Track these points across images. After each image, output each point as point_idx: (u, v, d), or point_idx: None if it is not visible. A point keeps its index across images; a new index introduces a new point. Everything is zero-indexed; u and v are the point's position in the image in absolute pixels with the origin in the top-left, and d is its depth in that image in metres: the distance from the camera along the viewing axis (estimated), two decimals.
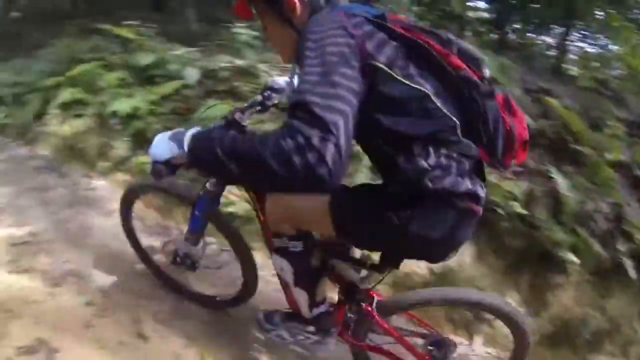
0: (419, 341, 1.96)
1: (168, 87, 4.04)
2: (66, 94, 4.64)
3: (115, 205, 2.53)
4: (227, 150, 1.09)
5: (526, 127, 1.40)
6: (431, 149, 1.27)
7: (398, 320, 2.14)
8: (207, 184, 1.93)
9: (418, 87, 1.23)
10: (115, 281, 2.71)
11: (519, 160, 1.44)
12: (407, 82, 1.22)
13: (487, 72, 1.35)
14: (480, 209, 1.38)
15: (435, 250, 1.46)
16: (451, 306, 2.53)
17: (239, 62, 4.14)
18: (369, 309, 1.85)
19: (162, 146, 1.32)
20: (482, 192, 1.38)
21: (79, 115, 4.53)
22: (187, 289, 2.60)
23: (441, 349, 1.90)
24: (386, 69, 1.20)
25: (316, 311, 1.87)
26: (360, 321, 1.92)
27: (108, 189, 3.77)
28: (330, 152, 0.99)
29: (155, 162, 1.33)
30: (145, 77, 4.37)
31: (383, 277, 1.76)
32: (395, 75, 1.21)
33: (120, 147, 4.04)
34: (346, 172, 1.27)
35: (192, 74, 3.92)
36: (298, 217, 1.63)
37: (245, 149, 1.06)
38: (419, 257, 1.56)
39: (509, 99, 1.39)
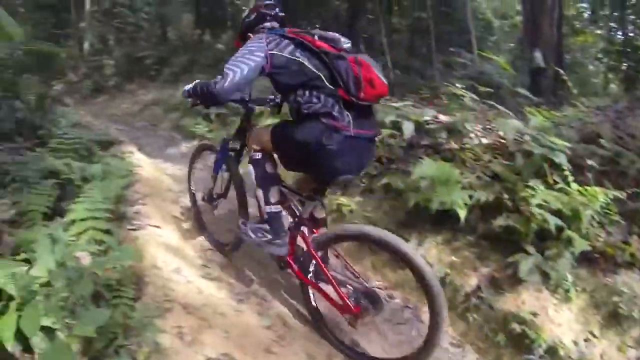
0: (349, 288, 2.39)
1: None
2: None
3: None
4: (199, 87, 2.44)
5: (371, 72, 2.19)
6: (306, 92, 2.22)
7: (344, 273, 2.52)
8: (225, 138, 3.11)
9: (294, 57, 2.26)
10: (295, 310, 2.71)
11: (370, 93, 2.18)
12: (289, 56, 2.27)
13: (344, 46, 2.32)
14: (340, 125, 2.15)
15: (318, 156, 2.20)
16: (365, 242, 2.91)
17: (443, 117, 4.01)
18: (305, 236, 2.52)
19: (187, 87, 2.59)
20: (346, 117, 2.17)
21: None
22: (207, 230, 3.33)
23: (364, 297, 2.33)
24: (276, 51, 2.28)
25: (269, 209, 2.54)
26: (305, 257, 2.52)
27: None
28: (222, 85, 2.22)
29: (184, 93, 2.61)
30: None
31: (315, 205, 2.57)
32: (281, 54, 2.28)
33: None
34: (232, 96, 2.38)
35: (409, 127, 3.96)
36: (262, 140, 2.56)
37: (203, 87, 2.38)
38: (314, 168, 2.35)
39: (357, 58, 2.23)
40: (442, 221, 3.32)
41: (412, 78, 7.74)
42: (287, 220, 2.66)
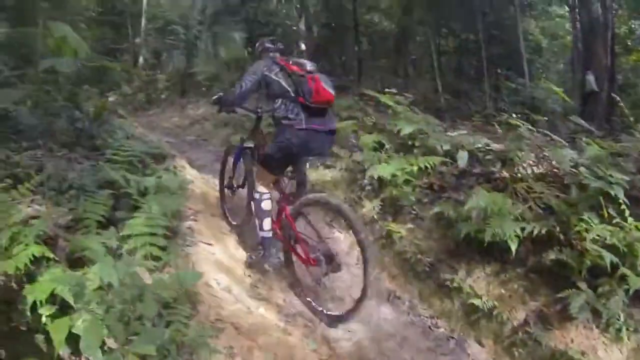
0: (311, 245, 3.04)
1: (426, 161, 4.11)
2: None
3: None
4: (222, 96, 3.48)
5: (319, 84, 3.05)
6: (279, 101, 3.12)
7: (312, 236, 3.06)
8: (242, 138, 3.92)
9: (277, 78, 3.18)
10: (339, 335, 2.74)
11: (317, 98, 3.04)
12: (274, 76, 3.19)
13: (308, 68, 3.16)
14: (293, 122, 3.04)
15: (285, 148, 3.08)
16: (323, 208, 3.40)
17: (495, 145, 3.97)
18: (286, 207, 3.24)
19: (214, 96, 3.51)
20: (299, 116, 3.06)
21: (328, 166, 4.93)
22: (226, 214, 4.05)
23: (321, 254, 2.96)
24: (266, 72, 3.21)
25: (262, 234, 3.21)
26: (286, 224, 3.22)
27: (348, 244, 3.88)
28: (236, 92, 3.28)
29: (212, 100, 3.52)
30: (403, 145, 4.56)
31: (292, 180, 3.40)
32: (270, 74, 3.20)
33: (369, 206, 4.22)
34: (242, 102, 3.34)
35: (464, 157, 4.06)
36: (262, 175, 3.32)
37: (223, 95, 3.49)
38: (286, 158, 3.16)
39: (314, 76, 3.09)
40: (492, 252, 3.29)
41: (462, 102, 7.63)
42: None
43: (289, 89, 3.11)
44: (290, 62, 3.24)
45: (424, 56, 11.36)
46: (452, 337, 3.08)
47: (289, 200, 3.29)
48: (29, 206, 2.71)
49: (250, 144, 3.78)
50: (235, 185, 3.96)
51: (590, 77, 8.99)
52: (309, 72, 3.14)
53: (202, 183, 4.75)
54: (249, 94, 3.27)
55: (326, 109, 3.18)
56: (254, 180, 3.46)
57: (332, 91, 3.11)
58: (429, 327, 3.19)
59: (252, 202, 3.33)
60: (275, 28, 13.63)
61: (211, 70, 12.67)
